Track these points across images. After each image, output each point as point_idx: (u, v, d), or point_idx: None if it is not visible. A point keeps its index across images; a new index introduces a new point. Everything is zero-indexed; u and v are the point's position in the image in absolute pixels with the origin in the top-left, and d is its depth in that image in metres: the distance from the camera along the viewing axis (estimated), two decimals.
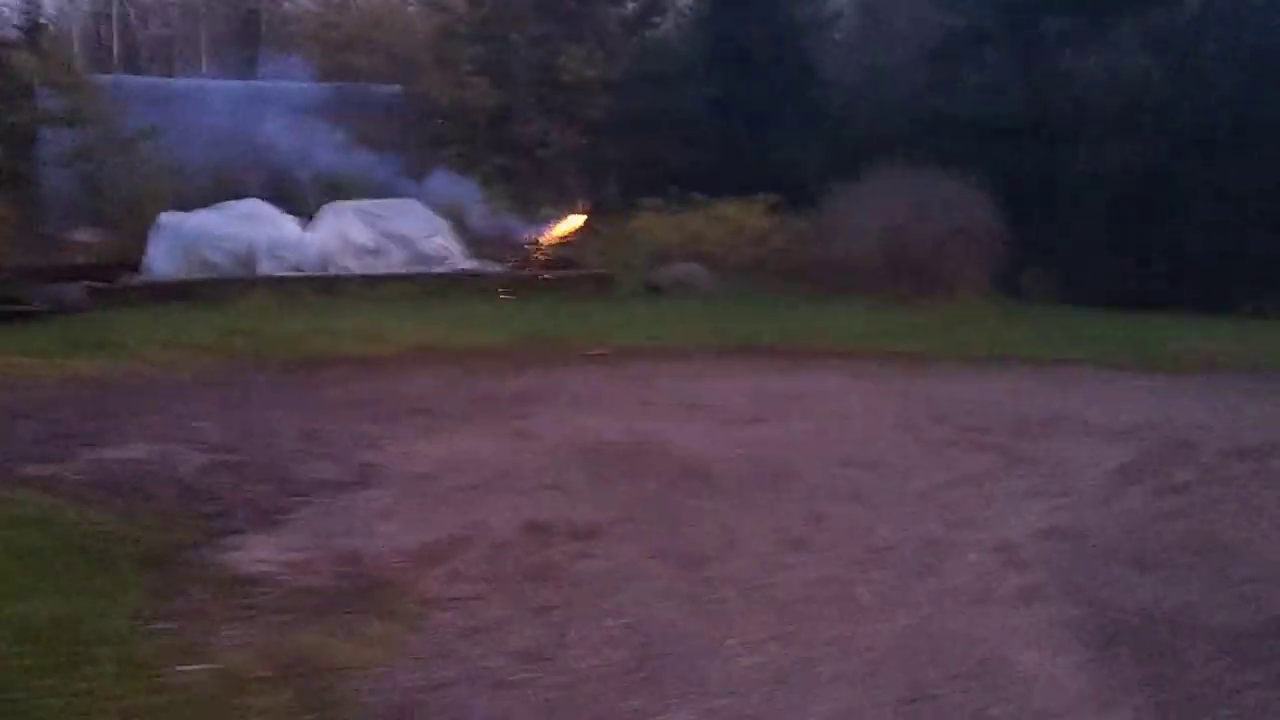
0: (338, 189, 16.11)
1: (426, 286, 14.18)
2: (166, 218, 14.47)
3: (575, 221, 17.37)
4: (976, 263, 16.17)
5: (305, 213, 15.35)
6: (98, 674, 3.55)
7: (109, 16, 32.30)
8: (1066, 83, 18.10)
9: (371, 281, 14.24)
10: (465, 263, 15.40)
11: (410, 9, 20.00)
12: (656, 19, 22.25)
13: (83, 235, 15.83)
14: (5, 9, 21.00)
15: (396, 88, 19.24)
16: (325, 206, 15.25)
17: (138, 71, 22.17)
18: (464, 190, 17.12)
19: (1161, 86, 17.49)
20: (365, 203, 15.40)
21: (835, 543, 5.11)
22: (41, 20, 21.17)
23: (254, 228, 14.54)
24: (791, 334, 11.61)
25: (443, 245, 15.25)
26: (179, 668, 3.65)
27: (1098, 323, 13.43)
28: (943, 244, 15.71)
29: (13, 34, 19.50)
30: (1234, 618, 4.21)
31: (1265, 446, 7.18)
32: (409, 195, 16.22)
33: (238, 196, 15.23)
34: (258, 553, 4.87)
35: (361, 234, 14.80)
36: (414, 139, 18.36)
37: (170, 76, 21.79)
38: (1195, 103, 17.11)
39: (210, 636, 3.92)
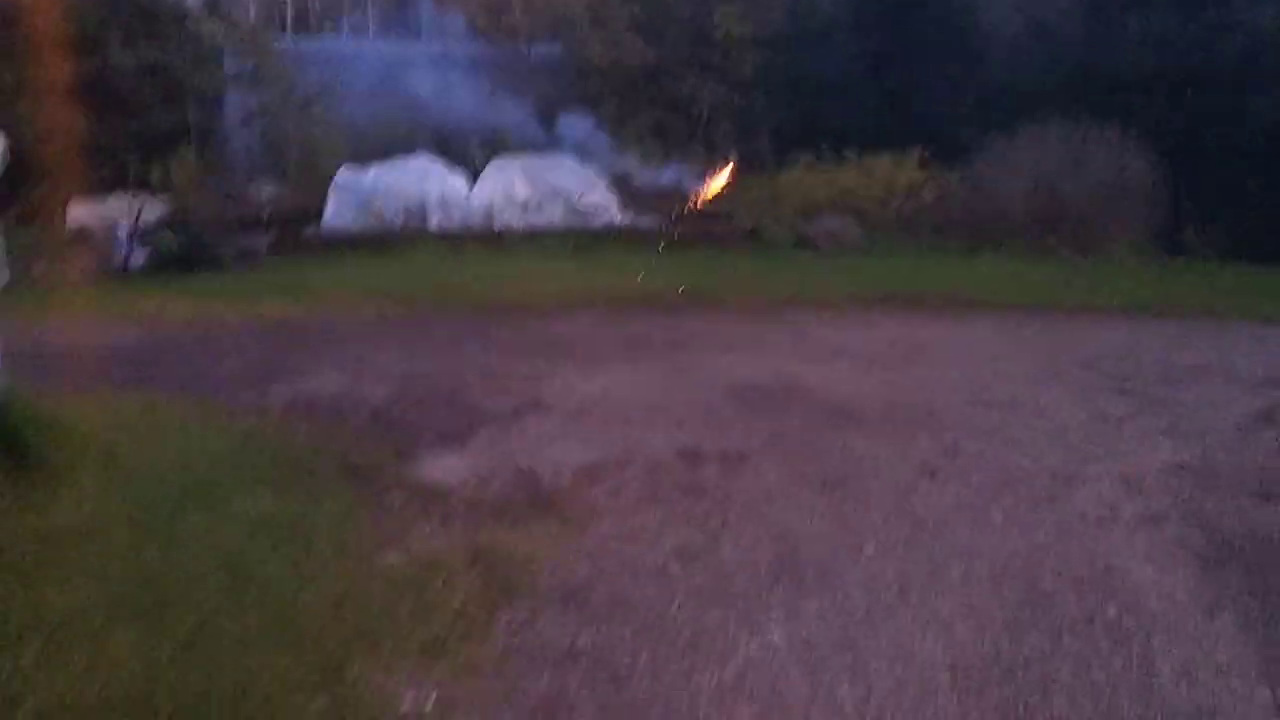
0: (498, 145, 16.82)
1: (584, 239, 14.76)
2: (343, 174, 15.41)
3: (727, 176, 17.69)
4: (1134, 218, 15.91)
5: (469, 168, 16.09)
6: (316, 557, 4.19)
7: None
8: (1235, 34, 17.52)
9: (533, 235, 14.89)
10: (621, 216, 15.92)
11: None
12: None
13: (263, 189, 16.90)
14: None
15: (553, 46, 19.83)
16: (489, 163, 15.95)
17: (308, 33, 23.23)
18: (622, 146, 17.65)
19: None
20: (526, 159, 16.05)
21: (969, 471, 5.44)
22: None
23: (424, 183, 15.36)
24: (938, 285, 11.76)
25: (600, 200, 15.80)
26: (384, 555, 4.26)
27: (1257, 278, 13.14)
28: (1098, 199, 15.49)
29: (197, 5, 20.73)
30: None
31: None
32: (566, 151, 16.81)
33: (406, 152, 16.05)
34: (444, 467, 5.48)
35: (523, 189, 15.46)
36: (571, 96, 18.92)
37: (339, 38, 22.80)
38: None
39: (407, 532, 4.53)
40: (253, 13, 22.66)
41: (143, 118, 16.84)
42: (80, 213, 14.48)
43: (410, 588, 3.92)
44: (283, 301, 11.00)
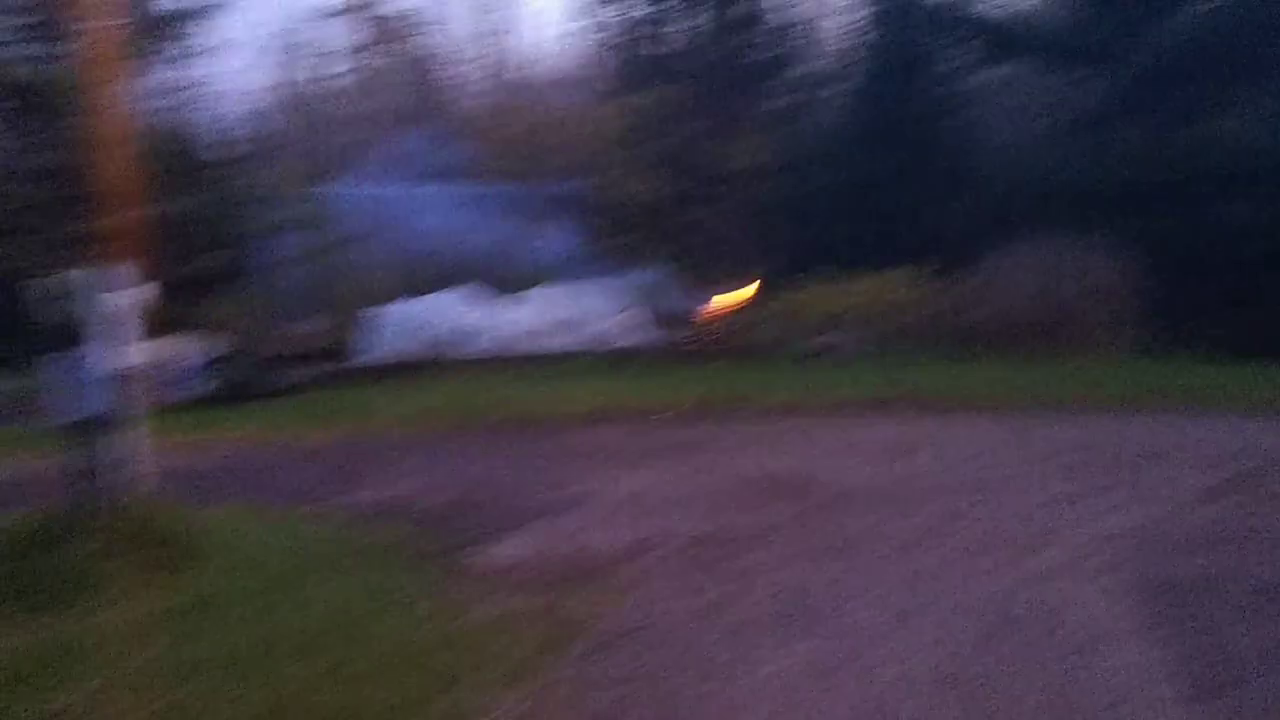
0: (529, 278, 18.13)
1: (609, 359, 15.89)
2: (390, 307, 16.68)
3: (743, 296, 18.89)
4: (1124, 323, 16.95)
5: (508, 297, 17.37)
6: (415, 615, 5.17)
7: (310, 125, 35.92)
8: (1212, 147, 18.80)
9: (562, 357, 16.03)
10: (646, 338, 17.10)
11: (586, 116, 22.21)
12: (814, 104, 23.90)
13: (309, 325, 18.16)
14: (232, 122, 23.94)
15: (575, 184, 21.33)
16: (526, 292, 17.26)
17: (345, 178, 24.82)
18: (639, 273, 18.94)
19: None
20: (553, 288, 17.32)
21: (953, 540, 6.39)
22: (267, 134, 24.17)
23: (458, 313, 16.59)
24: (933, 389, 12.77)
25: (623, 323, 16.99)
26: (469, 612, 5.23)
27: (1241, 373, 14.07)
28: (1088, 305, 16.56)
29: (244, 148, 22.31)
30: (1258, 580, 5.34)
31: None
32: (594, 279, 18.09)
33: (443, 287, 17.35)
34: (507, 550, 6.48)
35: (551, 316, 16.68)
36: (598, 229, 20.33)
37: (374, 182, 24.40)
38: None
39: (486, 597, 5.50)
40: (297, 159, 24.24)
41: (193, 261, 18.24)
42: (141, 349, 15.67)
43: (495, 632, 4.89)
44: (334, 425, 12.10)
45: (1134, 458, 8.81)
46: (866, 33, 23.86)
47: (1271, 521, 6.63)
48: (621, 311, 17.21)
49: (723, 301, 18.86)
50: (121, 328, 5.79)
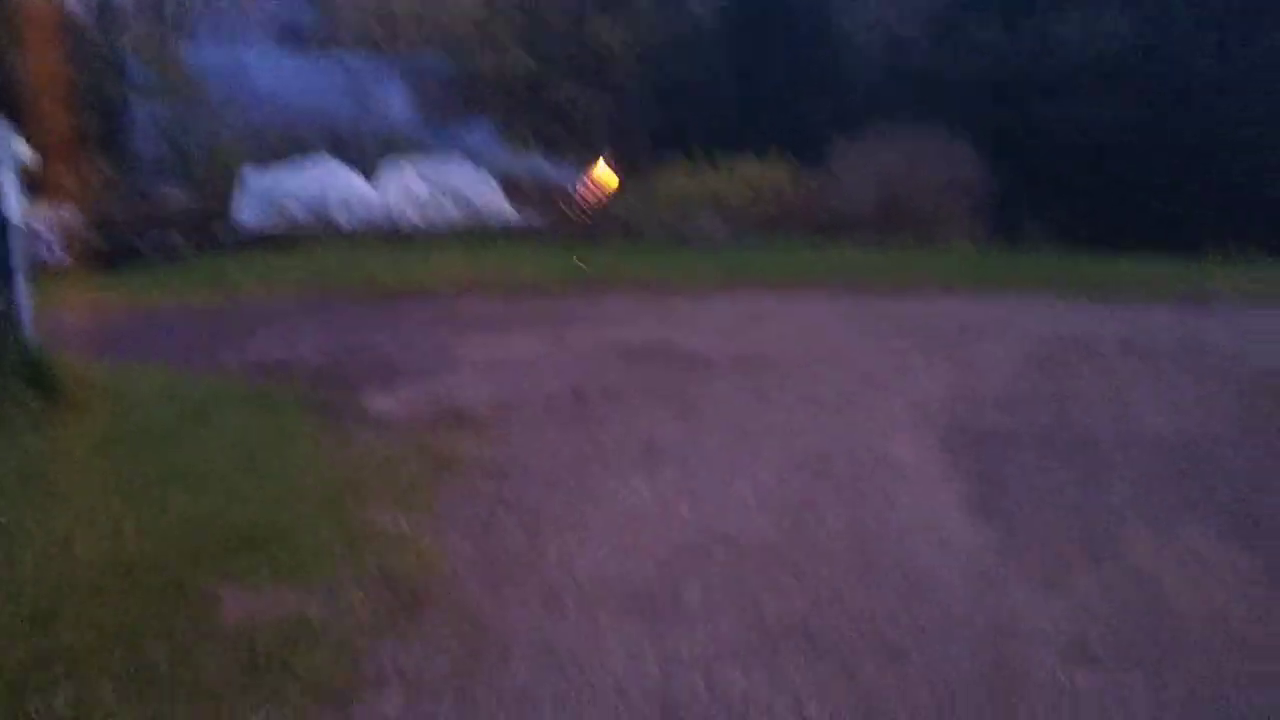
0: (393, 147, 18.19)
1: (480, 236, 16.23)
2: (249, 173, 16.61)
3: (608, 179, 19.33)
4: (968, 212, 18.01)
5: (367, 170, 17.42)
6: (302, 451, 5.68)
7: None
8: (1052, 45, 19.82)
9: (431, 232, 16.30)
10: (513, 215, 17.45)
11: None
12: None
13: (172, 192, 17.96)
14: None
15: (444, 58, 21.24)
16: (387, 165, 17.32)
17: (206, 42, 24.14)
18: (505, 150, 19.17)
19: (1136, 48, 19.16)
20: (422, 162, 17.45)
21: (791, 398, 7.14)
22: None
23: (326, 184, 16.63)
24: (789, 271, 13.57)
25: (492, 199, 17.29)
26: (352, 449, 5.75)
27: (1066, 262, 15.24)
28: (937, 195, 17.52)
29: (91, 15, 21.53)
30: (1046, 434, 6.22)
31: (1151, 347, 9.12)
32: (456, 154, 18.25)
33: (306, 155, 17.33)
34: (383, 404, 6.98)
35: (421, 190, 16.86)
36: (460, 103, 20.38)
37: (237, 47, 23.81)
38: (1170, 63, 18.85)
39: (365, 438, 6.02)
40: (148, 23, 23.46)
41: (46, 126, 17.76)
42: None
43: (378, 467, 5.43)
44: (208, 290, 12.31)
45: (958, 332, 9.72)
46: None
47: (1064, 386, 7.56)
48: (485, 188, 17.47)
49: (589, 184, 19.26)
50: (11, 181, 5.99)
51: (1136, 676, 3.37)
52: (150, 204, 17.13)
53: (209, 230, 16.17)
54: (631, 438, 6.11)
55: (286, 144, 17.88)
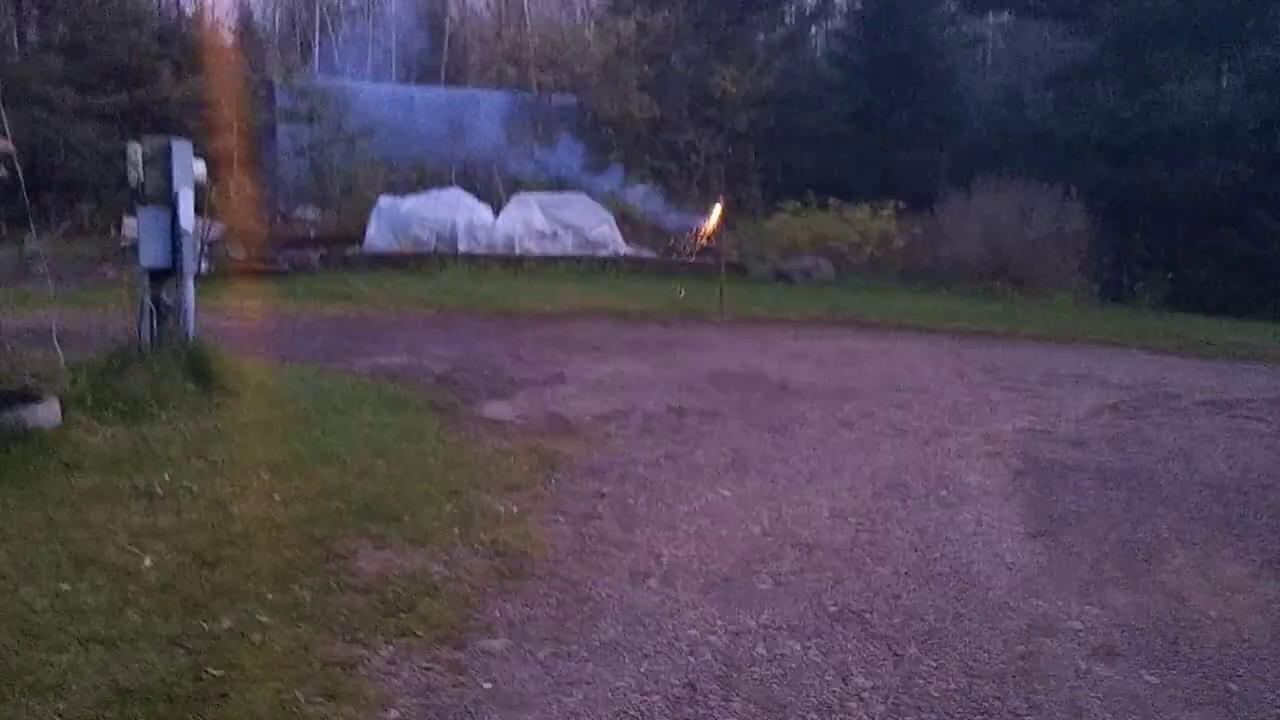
0: (520, 183, 19.12)
1: (592, 266, 17.00)
2: (384, 200, 17.66)
3: (718, 216, 19.97)
4: (1074, 267, 18.17)
5: (495, 201, 18.36)
6: (427, 444, 6.35)
7: (310, 20, 36.38)
8: (1168, 109, 19.90)
9: (548, 260, 17.13)
10: (625, 248, 18.19)
11: (586, 33, 23.04)
12: (803, 40, 24.78)
13: (309, 213, 19.14)
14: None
15: (572, 98, 22.22)
16: (512, 197, 18.24)
17: (332, 73, 25.54)
18: (627, 187, 19.97)
19: (1252, 115, 19.15)
20: (543, 195, 18.34)
21: (875, 426, 7.62)
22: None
23: (454, 212, 17.60)
24: (888, 313, 13.98)
25: (607, 233, 18.07)
26: (470, 447, 6.41)
27: (1167, 321, 15.33)
28: (1043, 249, 17.74)
29: (252, 38, 23.07)
30: (1110, 469, 6.58)
31: (1233, 401, 9.34)
32: (581, 190, 19.10)
33: (440, 186, 18.34)
34: (498, 410, 7.65)
35: (540, 221, 17.72)
36: (586, 143, 21.30)
37: (376, 80, 25.16)
38: None
39: (482, 439, 6.68)
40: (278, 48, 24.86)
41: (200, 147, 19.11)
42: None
43: (492, 461, 6.07)
44: (340, 304, 13.24)
45: (1047, 377, 10.05)
46: None
47: (1134, 429, 7.88)
48: (603, 223, 18.25)
49: (704, 221, 19.92)
50: (188, 193, 6.83)
51: (1151, 670, 3.79)
52: (290, 224, 18.30)
53: (343, 251, 17.24)
54: (722, 451, 6.65)
55: (419, 174, 18.95)
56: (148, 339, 6.83)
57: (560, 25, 25.12)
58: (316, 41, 35.01)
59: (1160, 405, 8.96)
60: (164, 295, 6.88)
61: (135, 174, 6.78)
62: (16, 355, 6.77)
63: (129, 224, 6.59)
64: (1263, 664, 3.87)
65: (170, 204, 6.82)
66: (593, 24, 23.70)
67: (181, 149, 6.89)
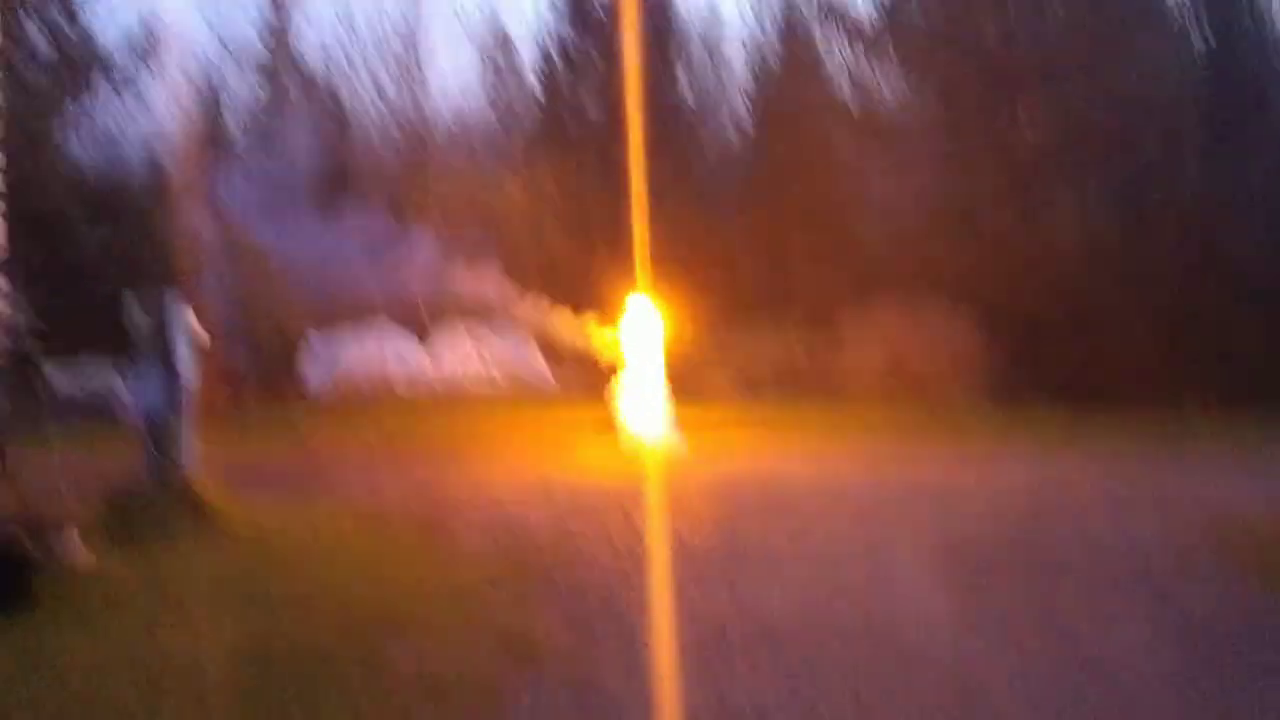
0: (446, 312, 20.18)
1: (519, 395, 18.07)
2: (315, 341, 18.57)
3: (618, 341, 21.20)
4: (951, 375, 19.67)
5: (422, 333, 19.38)
6: (403, 568, 7.21)
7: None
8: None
9: (476, 391, 18.16)
10: (547, 376, 19.30)
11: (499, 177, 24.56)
12: None
13: (241, 354, 19.87)
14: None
15: (492, 232, 23.48)
16: (441, 330, 19.32)
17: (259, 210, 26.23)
18: (547, 316, 21.14)
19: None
20: (471, 326, 19.44)
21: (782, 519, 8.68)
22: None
23: (384, 350, 18.58)
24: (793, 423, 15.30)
25: (534, 364, 19.20)
26: (444, 564, 7.29)
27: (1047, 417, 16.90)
28: (926, 361, 19.26)
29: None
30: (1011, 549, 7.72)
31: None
32: (504, 321, 20.21)
33: (367, 318, 19.32)
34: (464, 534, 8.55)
35: (469, 355, 18.79)
36: (508, 276, 22.45)
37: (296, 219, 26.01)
38: None
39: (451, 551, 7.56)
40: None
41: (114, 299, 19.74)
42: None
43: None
44: (285, 443, 14.11)
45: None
46: None
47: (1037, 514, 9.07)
48: (528, 352, 19.39)
49: (607, 344, 21.04)
50: (186, 349, 7.74)
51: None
52: (222, 367, 19.00)
53: (278, 391, 18.00)
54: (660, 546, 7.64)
55: (348, 309, 19.86)
56: (150, 477, 7.63)
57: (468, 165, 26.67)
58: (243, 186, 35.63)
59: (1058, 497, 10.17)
60: (163, 441, 7.70)
61: (136, 327, 7.66)
62: (37, 488, 7.50)
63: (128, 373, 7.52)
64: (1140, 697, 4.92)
65: (169, 355, 7.69)
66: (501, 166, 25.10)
67: (179, 304, 7.81)
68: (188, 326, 7.83)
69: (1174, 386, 19.31)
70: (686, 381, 19.57)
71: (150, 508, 7.47)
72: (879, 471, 11.65)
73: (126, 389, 7.88)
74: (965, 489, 10.41)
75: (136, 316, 7.58)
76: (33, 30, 22.18)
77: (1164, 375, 19.77)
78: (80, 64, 23.83)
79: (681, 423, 14.74)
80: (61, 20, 22.97)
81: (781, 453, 13.24)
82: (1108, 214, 21.52)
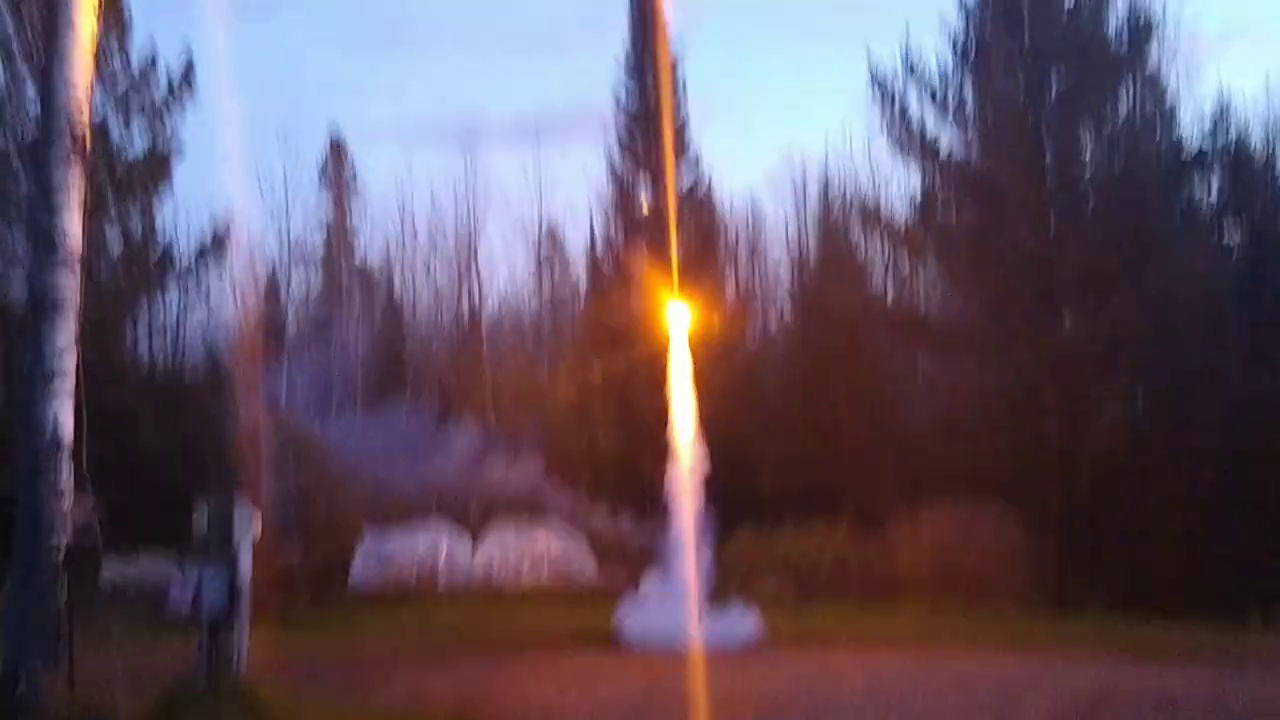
0: (496, 510, 20.44)
1: (566, 594, 18.10)
2: (368, 537, 18.85)
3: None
4: (1004, 579, 19.39)
5: (473, 530, 19.61)
6: None
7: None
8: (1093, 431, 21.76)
9: (524, 589, 18.23)
10: (594, 574, 19.34)
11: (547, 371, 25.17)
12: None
13: (295, 550, 20.15)
14: None
15: (543, 430, 23.93)
16: (490, 528, 19.54)
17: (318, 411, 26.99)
18: (595, 514, 21.33)
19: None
20: (519, 525, 19.65)
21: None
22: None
23: (435, 548, 18.80)
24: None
25: (578, 560, 19.28)
26: None
27: (1109, 623, 16.54)
28: (977, 563, 19.04)
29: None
30: None
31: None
32: (552, 517, 20.43)
33: (421, 515, 19.61)
34: None
35: (515, 551, 18.94)
36: (557, 473, 22.76)
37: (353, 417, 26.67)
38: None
39: None
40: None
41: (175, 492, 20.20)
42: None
43: None
44: (337, 640, 14.22)
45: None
46: None
47: None
48: (574, 549, 19.49)
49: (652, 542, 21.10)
50: (248, 548, 8.04)
51: None
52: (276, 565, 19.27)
53: (330, 586, 18.18)
54: None
55: (401, 507, 20.18)
56: (205, 676, 7.81)
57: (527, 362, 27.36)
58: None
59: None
60: (220, 638, 7.92)
61: (201, 531, 7.99)
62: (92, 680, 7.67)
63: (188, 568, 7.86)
64: None
65: (231, 559, 7.99)
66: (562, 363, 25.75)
67: (243, 509, 8.15)
68: (252, 530, 8.14)
69: (1227, 591, 18.98)
70: (737, 587, 19.55)
71: (203, 703, 7.62)
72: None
73: (185, 584, 8.07)
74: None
75: (204, 521, 7.91)
76: (110, 231, 23.52)
77: (1214, 580, 19.47)
78: (150, 263, 25.18)
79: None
80: (137, 222, 24.37)
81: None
82: (1154, 415, 21.60)
